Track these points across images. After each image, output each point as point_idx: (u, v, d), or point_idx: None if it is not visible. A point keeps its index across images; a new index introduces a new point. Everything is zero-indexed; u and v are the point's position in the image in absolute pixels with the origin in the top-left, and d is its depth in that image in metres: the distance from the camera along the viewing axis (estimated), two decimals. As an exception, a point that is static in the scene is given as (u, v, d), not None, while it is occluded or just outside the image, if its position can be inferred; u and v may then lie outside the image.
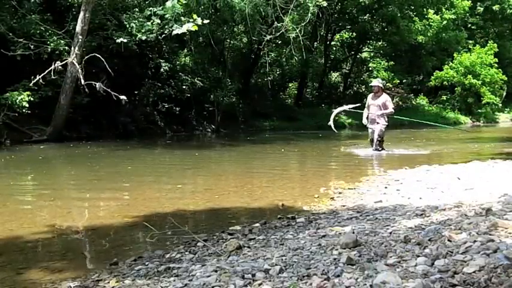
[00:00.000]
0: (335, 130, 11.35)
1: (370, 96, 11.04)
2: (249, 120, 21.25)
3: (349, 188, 6.17)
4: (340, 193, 5.87)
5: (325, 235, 3.61)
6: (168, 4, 12.69)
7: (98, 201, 5.90)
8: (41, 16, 14.06)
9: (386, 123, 10.72)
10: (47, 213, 5.18)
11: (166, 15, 12.98)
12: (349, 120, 22.98)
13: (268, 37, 17.88)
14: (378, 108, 10.63)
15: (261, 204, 5.46)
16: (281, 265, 2.82)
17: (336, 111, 11.77)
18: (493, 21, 33.15)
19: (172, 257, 3.47)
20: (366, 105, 10.95)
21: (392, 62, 29.66)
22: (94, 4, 14.20)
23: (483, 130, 24.44)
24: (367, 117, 10.78)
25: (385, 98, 10.74)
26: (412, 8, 26.05)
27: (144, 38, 13.75)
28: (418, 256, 2.69)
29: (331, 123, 11.28)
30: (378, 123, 10.60)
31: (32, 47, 13.34)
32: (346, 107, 12.45)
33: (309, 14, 17.20)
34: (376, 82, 11.11)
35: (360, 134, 15.27)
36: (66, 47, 13.79)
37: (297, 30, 17.09)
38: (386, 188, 6.02)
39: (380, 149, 10.61)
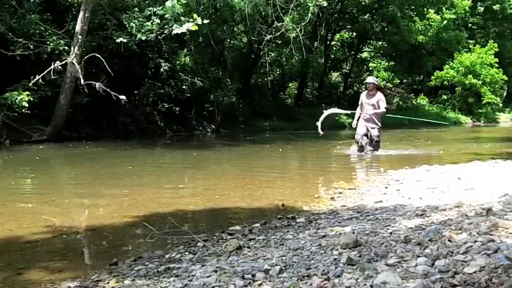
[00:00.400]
0: (320, 132, 10.82)
1: (363, 94, 10.63)
2: (249, 120, 21.25)
3: (349, 188, 6.16)
4: (340, 193, 5.86)
5: (325, 235, 3.60)
6: (168, 4, 12.69)
7: (97, 201, 5.89)
8: (41, 16, 14.06)
9: (381, 122, 10.49)
10: (46, 213, 5.17)
11: (166, 15, 12.97)
12: (349, 120, 22.97)
13: (268, 37, 17.89)
14: (372, 107, 10.31)
15: (261, 204, 5.45)
16: (281, 265, 2.82)
17: (326, 112, 11.25)
18: (494, 21, 33.18)
19: (172, 257, 3.46)
20: (359, 104, 10.56)
21: (392, 62, 29.68)
22: (94, 4, 14.20)
23: (483, 130, 24.45)
24: (359, 117, 10.46)
25: (379, 97, 10.37)
26: (413, 7, 26.08)
27: (144, 38, 13.74)
28: (419, 256, 2.68)
29: (318, 123, 10.90)
30: (375, 122, 10.36)
31: (31, 46, 13.34)
32: (337, 110, 12.24)
33: (309, 14, 17.20)
34: (371, 79, 10.70)
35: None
36: (66, 47, 13.79)
37: (297, 30, 17.10)
38: (386, 188, 6.01)
39: (378, 149, 10.50)
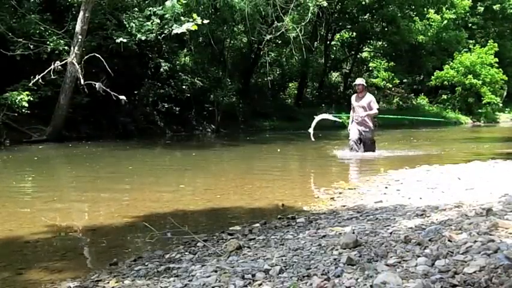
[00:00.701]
0: (313, 138, 11.00)
1: (353, 97, 10.55)
2: (249, 120, 21.25)
3: (349, 188, 6.16)
4: (340, 193, 5.86)
5: (325, 235, 3.60)
6: (168, 4, 12.69)
7: (97, 201, 5.89)
8: (41, 16, 14.07)
9: (374, 124, 10.42)
10: (46, 214, 5.16)
11: (166, 15, 12.98)
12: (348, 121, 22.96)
13: (268, 37, 17.90)
14: (363, 109, 10.24)
15: (261, 204, 5.45)
16: (281, 265, 2.82)
17: (317, 118, 11.24)
18: (494, 21, 33.20)
19: (172, 257, 3.46)
20: (352, 107, 10.53)
21: (392, 62, 29.68)
22: (94, 4, 14.20)
23: (483, 130, 24.45)
24: (352, 120, 10.41)
25: (369, 98, 10.29)
26: (413, 7, 26.10)
27: (143, 37, 13.75)
28: (419, 256, 2.68)
29: (310, 130, 10.93)
30: (367, 125, 10.27)
31: (31, 46, 13.35)
32: (328, 116, 12.24)
33: (309, 14, 17.21)
34: (359, 81, 10.56)
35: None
36: (66, 47, 13.80)
37: (297, 30, 17.10)
38: (386, 188, 6.00)
39: (374, 150, 10.47)
